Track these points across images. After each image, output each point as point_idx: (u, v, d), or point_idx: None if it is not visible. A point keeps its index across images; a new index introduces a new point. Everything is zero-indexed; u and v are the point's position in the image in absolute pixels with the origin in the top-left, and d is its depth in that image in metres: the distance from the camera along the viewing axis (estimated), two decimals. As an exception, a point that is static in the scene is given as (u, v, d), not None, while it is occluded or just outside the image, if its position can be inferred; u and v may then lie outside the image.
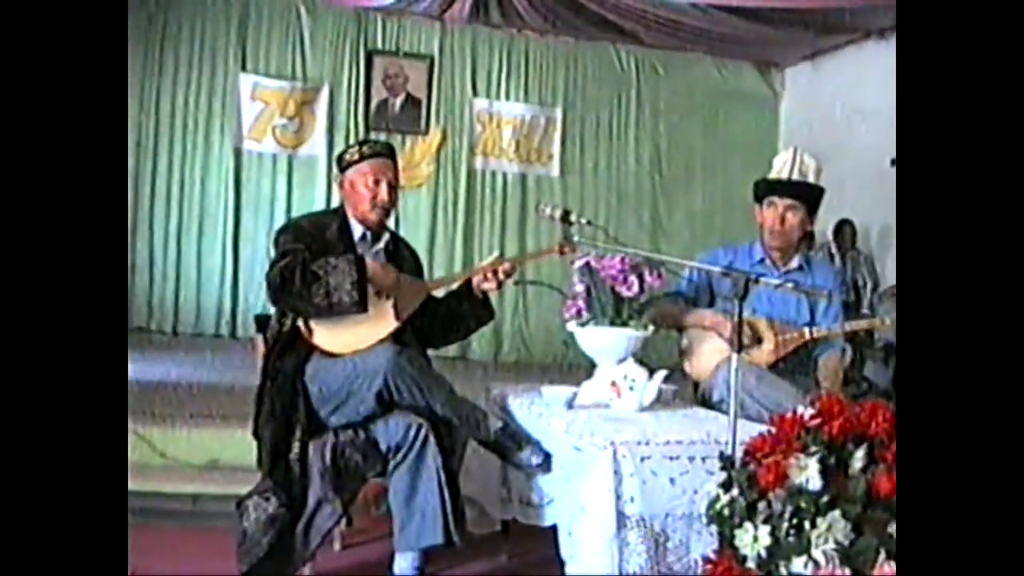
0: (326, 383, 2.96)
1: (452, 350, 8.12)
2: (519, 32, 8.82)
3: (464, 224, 8.68)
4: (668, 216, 9.25)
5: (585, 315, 3.23)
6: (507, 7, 8.14)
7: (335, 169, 3.34)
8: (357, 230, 3.25)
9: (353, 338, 3.00)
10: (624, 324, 3.19)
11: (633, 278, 3.15)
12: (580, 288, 3.24)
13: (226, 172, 8.17)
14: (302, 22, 8.35)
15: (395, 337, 3.09)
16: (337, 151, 3.69)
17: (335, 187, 3.34)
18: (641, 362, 3.12)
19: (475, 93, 8.77)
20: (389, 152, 3.30)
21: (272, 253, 3.12)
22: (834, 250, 7.73)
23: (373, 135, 8.37)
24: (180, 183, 8.10)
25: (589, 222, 3.13)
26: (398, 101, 8.61)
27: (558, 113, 8.92)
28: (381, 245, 3.29)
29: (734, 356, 2.47)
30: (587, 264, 3.20)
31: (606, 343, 3.21)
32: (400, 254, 3.36)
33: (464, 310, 3.33)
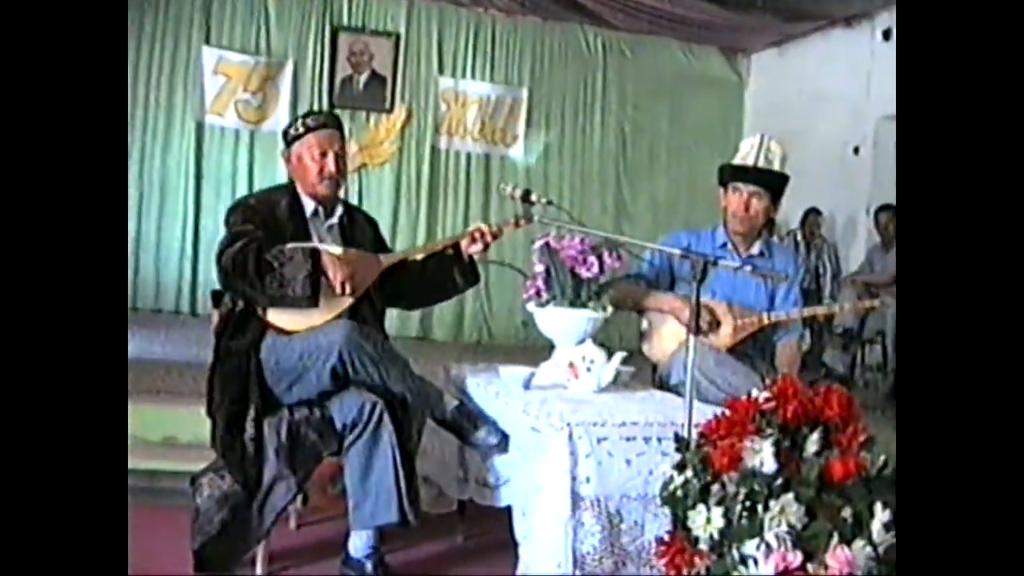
0: (281, 360, 2.93)
1: (414, 330, 8.18)
2: (486, 11, 8.78)
3: (427, 203, 8.64)
4: (632, 200, 9.27)
5: (544, 296, 3.24)
6: None
7: (281, 144, 3.30)
8: (308, 205, 3.21)
9: (307, 315, 2.96)
10: (583, 305, 3.20)
11: (593, 259, 3.15)
12: (540, 268, 3.24)
13: (187, 146, 8.05)
14: None
15: (352, 312, 3.07)
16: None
17: (283, 162, 3.32)
18: (600, 344, 3.13)
19: (441, 71, 8.71)
20: (335, 123, 3.28)
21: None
22: (799, 238, 7.78)
23: (337, 112, 8.25)
24: (140, 156, 7.96)
25: (550, 202, 3.14)
26: (363, 78, 8.54)
27: (524, 94, 8.89)
28: (335, 219, 3.26)
29: (691, 338, 2.47)
30: (547, 244, 3.20)
31: (565, 324, 3.21)
32: (356, 226, 3.33)
33: (453, 273, 3.34)
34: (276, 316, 2.99)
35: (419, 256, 3.43)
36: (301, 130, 3.20)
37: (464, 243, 3.30)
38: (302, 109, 8.17)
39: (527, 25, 8.90)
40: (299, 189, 3.23)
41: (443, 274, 3.36)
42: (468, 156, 8.81)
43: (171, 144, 8.05)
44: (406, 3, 8.57)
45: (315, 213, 3.22)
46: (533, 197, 3.13)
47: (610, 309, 3.27)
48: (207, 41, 8.09)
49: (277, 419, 2.92)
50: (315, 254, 2.92)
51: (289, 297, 2.88)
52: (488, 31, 8.83)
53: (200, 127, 8.10)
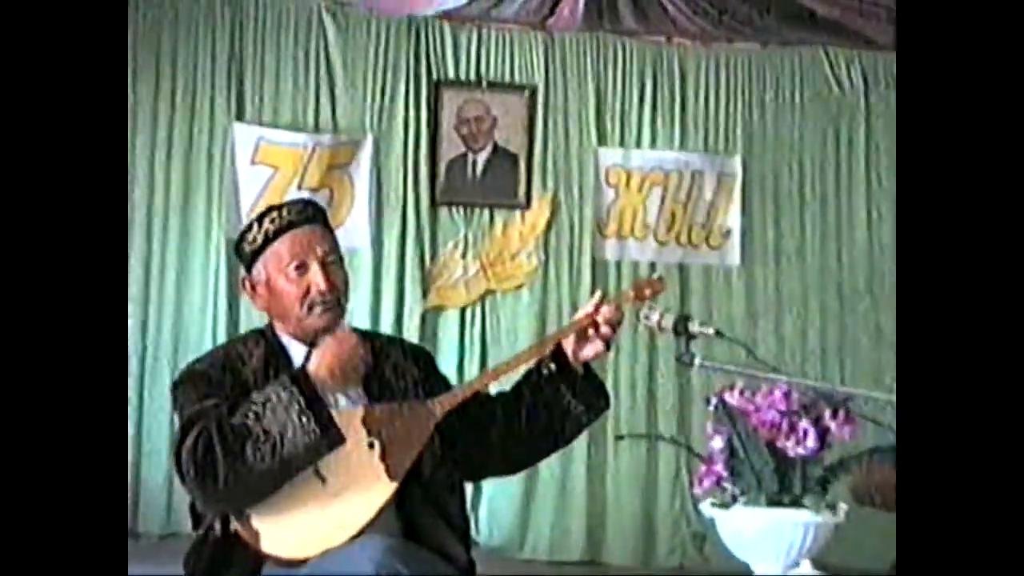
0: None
1: (577, 550, 8.17)
2: (669, 41, 8.82)
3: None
4: (925, 323, 8.97)
5: (729, 488, 3.22)
6: (645, 3, 8.18)
7: (240, 268, 3.39)
8: (297, 352, 3.26)
9: (321, 527, 2.95)
10: (794, 503, 3.14)
11: (806, 425, 3.03)
12: (718, 444, 3.21)
13: (215, 278, 8.19)
14: (328, 41, 8.44)
15: (399, 511, 3.06)
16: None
17: (243, 295, 3.46)
18: (829, 568, 3.08)
19: (602, 140, 8.74)
20: (313, 214, 3.37)
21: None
22: None
23: (444, 212, 8.56)
24: (142, 297, 8.10)
25: (719, 332, 3.06)
26: (481, 157, 8.66)
27: (736, 165, 8.87)
28: None
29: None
30: (723, 403, 3.12)
31: (763, 534, 3.15)
32: (387, 369, 3.35)
33: (561, 397, 3.28)
34: (272, 538, 2.95)
35: (499, 383, 3.40)
36: (260, 240, 3.27)
37: (570, 344, 3.25)
38: (390, 211, 8.42)
39: (736, 56, 8.92)
40: (279, 331, 3.28)
41: (546, 401, 3.30)
42: (651, 268, 8.71)
43: (189, 276, 8.16)
44: (541, 39, 8.68)
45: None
46: (693, 327, 3.09)
47: (844, 508, 3.19)
48: (239, 117, 8.33)
49: None
50: (299, 377, 2.99)
51: (297, 459, 2.90)
52: (674, 72, 8.84)
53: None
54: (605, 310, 3.19)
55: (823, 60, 9.02)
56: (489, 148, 8.68)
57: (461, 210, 8.53)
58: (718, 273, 8.84)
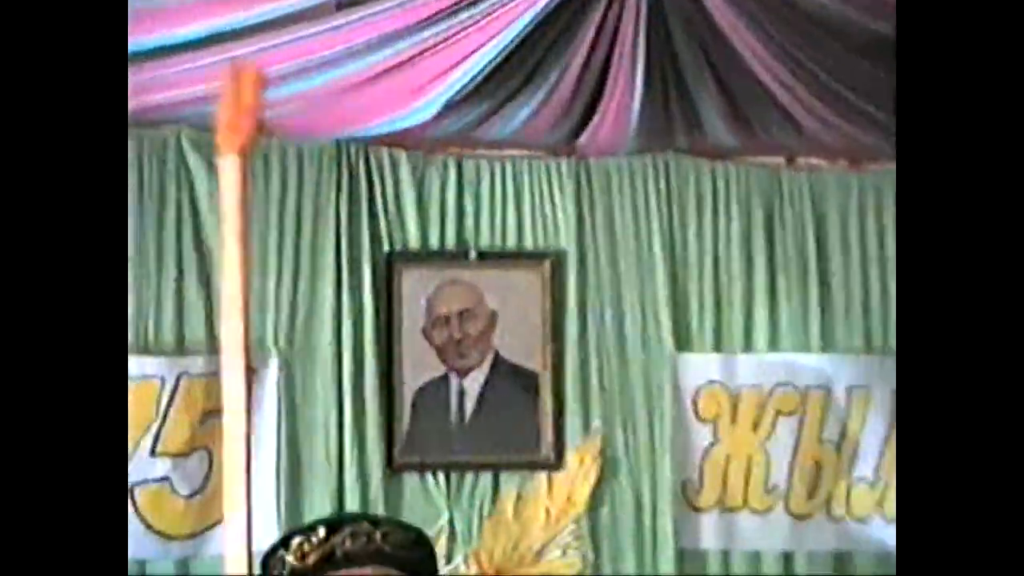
0: None
1: None
2: (791, 163, 7.20)
3: None
4: None
5: None
6: (746, 97, 6.25)
7: None
8: None
9: None
10: None
11: None
12: None
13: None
14: (195, 191, 6.51)
15: None
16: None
17: None
18: None
19: (683, 343, 7.10)
20: (397, 546, 3.23)
21: None
22: None
23: (410, 481, 6.90)
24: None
25: None
26: (473, 382, 6.91)
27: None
28: None
29: None
30: None
31: None
32: None
33: None
34: None
35: None
36: (309, 565, 3.22)
37: None
38: (314, 480, 6.75)
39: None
40: None
41: None
42: (786, 563, 6.98)
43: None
44: (572, 172, 6.89)
45: None
46: None
47: None
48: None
49: None
50: None
51: None
52: (803, 214, 7.20)
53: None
54: None
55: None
56: (486, 364, 7.07)
57: (440, 477, 6.91)
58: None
